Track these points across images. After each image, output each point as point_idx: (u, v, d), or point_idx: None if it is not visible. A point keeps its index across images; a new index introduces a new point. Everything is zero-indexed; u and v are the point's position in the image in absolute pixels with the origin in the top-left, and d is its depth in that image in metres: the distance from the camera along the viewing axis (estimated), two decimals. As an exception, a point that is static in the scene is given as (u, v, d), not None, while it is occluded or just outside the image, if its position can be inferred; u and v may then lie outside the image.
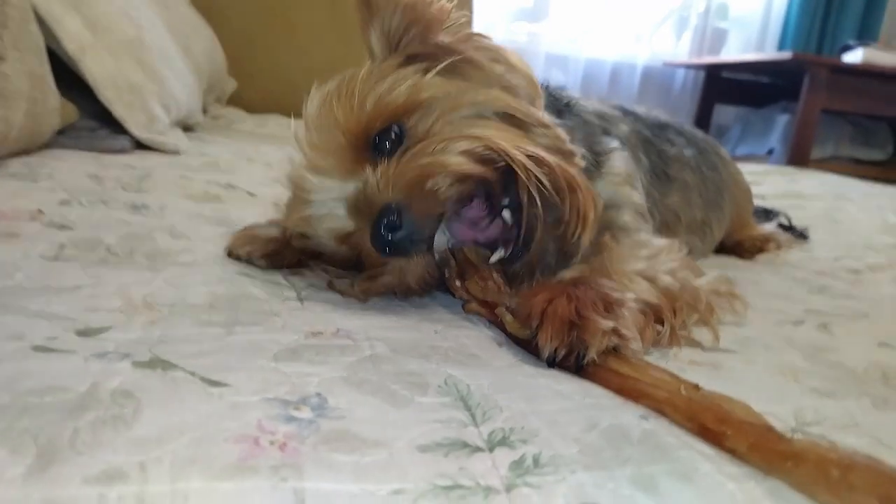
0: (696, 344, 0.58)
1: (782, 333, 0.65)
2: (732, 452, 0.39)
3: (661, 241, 0.70)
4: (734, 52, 3.66)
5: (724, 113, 3.83)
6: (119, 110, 1.26)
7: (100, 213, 0.79)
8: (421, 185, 0.55)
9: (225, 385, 0.40)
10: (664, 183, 0.89)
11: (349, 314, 0.57)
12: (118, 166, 1.08)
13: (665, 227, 0.86)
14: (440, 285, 0.63)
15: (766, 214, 1.30)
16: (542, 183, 0.56)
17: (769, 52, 3.57)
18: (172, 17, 1.72)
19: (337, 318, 0.55)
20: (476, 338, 0.55)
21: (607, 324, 0.50)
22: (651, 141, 0.91)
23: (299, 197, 0.63)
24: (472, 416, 0.40)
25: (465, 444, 0.37)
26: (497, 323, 0.57)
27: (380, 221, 0.55)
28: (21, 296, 0.52)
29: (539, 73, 0.71)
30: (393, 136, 0.60)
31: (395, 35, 0.65)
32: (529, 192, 0.56)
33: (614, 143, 0.78)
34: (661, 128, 0.97)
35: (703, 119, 3.53)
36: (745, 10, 3.73)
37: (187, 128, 1.62)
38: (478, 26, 2.87)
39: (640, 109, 0.99)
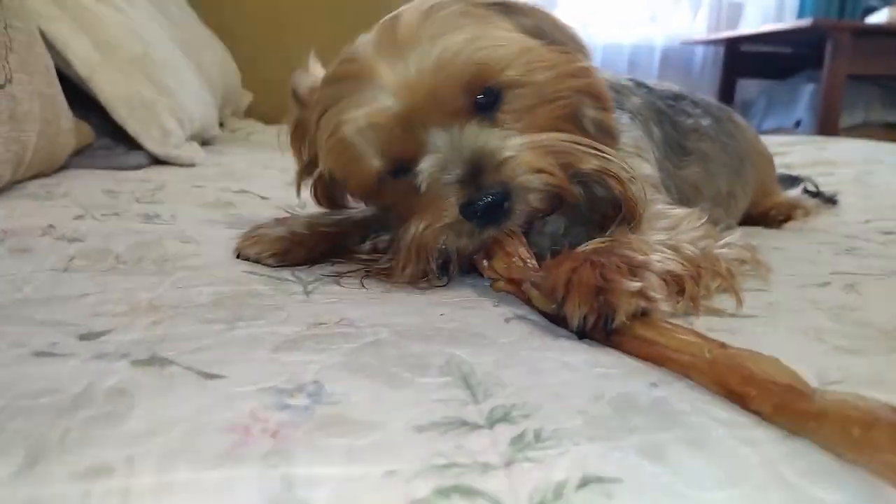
0: (718, 312, 0.56)
1: (806, 296, 0.62)
2: (759, 414, 0.38)
3: (679, 211, 0.68)
4: (752, 25, 3.57)
5: (748, 87, 3.74)
6: (133, 127, 1.28)
7: (111, 224, 0.79)
8: (549, 179, 0.58)
9: (221, 377, 0.40)
10: (679, 155, 0.87)
11: (354, 305, 0.56)
12: (134, 181, 1.09)
13: (685, 202, 0.83)
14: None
15: (792, 181, 1.26)
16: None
17: (789, 22, 3.48)
18: (182, 34, 1.74)
19: (342, 309, 0.54)
20: (483, 317, 0.54)
21: (634, 285, 0.48)
22: (665, 112, 0.89)
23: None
24: (473, 395, 0.39)
25: (463, 423, 0.36)
26: (525, 300, 0.56)
27: (485, 195, 0.57)
28: (27, 306, 0.52)
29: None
30: (486, 94, 0.60)
31: None
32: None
33: (625, 119, 0.77)
34: (675, 99, 0.94)
35: (726, 95, 3.45)
36: (761, -19, 3.64)
37: (205, 142, 1.63)
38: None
39: (652, 82, 0.96)
